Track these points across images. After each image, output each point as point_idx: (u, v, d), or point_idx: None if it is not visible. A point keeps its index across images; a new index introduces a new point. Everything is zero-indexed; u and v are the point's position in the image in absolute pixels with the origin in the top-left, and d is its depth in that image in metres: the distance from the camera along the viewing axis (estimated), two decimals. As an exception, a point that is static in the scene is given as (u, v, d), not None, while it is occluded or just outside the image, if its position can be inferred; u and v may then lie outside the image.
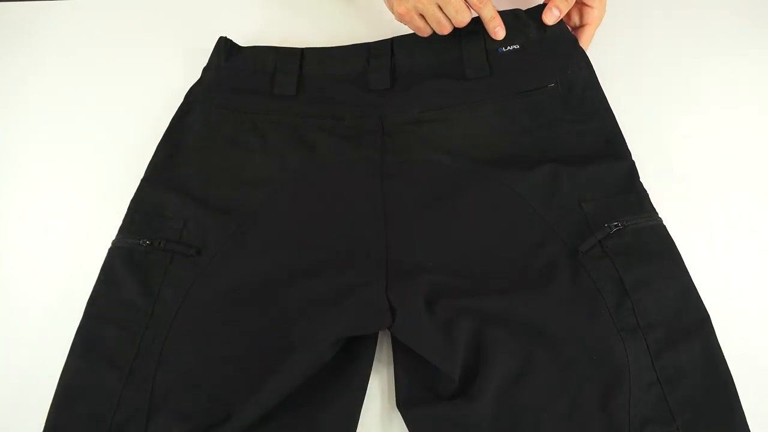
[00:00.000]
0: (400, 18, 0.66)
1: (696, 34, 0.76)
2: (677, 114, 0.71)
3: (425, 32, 0.66)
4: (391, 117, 0.65)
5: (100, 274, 0.58)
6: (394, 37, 0.69)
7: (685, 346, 0.51)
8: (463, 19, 0.64)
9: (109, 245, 0.60)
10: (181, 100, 0.68)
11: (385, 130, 0.65)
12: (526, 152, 0.62)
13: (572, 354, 0.52)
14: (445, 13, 0.64)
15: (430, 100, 0.66)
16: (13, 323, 0.62)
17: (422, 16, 0.65)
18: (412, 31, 0.68)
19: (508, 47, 0.66)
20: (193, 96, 0.68)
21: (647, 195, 0.58)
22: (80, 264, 0.63)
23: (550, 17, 0.65)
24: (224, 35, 0.71)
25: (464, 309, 0.54)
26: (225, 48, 0.70)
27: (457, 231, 0.59)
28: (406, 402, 0.54)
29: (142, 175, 0.63)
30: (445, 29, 0.65)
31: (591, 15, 0.68)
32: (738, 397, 0.50)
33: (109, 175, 0.70)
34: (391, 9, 0.67)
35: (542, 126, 0.63)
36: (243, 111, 0.67)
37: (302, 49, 0.69)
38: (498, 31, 0.65)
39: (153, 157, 0.64)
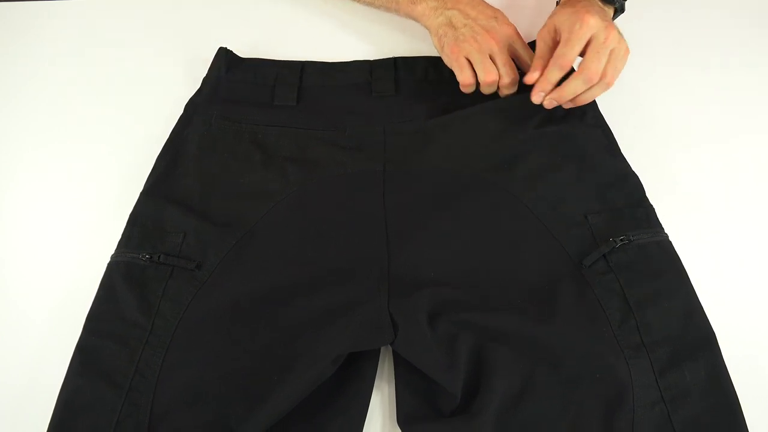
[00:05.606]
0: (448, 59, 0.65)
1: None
2: (678, 125, 0.71)
3: (467, 80, 0.64)
4: (394, 126, 0.65)
5: (98, 290, 0.57)
6: (396, 57, 0.69)
7: (690, 364, 0.51)
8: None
9: (108, 259, 0.59)
10: (181, 110, 0.67)
11: (387, 139, 0.64)
12: (531, 163, 0.62)
13: (575, 371, 0.51)
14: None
15: (434, 109, 0.65)
16: (14, 334, 0.62)
17: (470, 62, 0.64)
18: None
19: None
20: (192, 107, 0.67)
21: (654, 210, 0.58)
22: (81, 276, 0.62)
23: (537, 98, 0.62)
24: (224, 46, 0.70)
25: (466, 324, 0.54)
26: (225, 59, 0.69)
27: (460, 242, 0.58)
28: (407, 419, 0.53)
29: (141, 187, 0.63)
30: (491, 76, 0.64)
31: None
32: (743, 417, 0.49)
33: (109, 186, 0.69)
34: (441, 49, 0.66)
35: (546, 137, 0.63)
36: (243, 122, 0.66)
37: (303, 62, 0.69)
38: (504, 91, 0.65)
39: (152, 169, 0.64)
